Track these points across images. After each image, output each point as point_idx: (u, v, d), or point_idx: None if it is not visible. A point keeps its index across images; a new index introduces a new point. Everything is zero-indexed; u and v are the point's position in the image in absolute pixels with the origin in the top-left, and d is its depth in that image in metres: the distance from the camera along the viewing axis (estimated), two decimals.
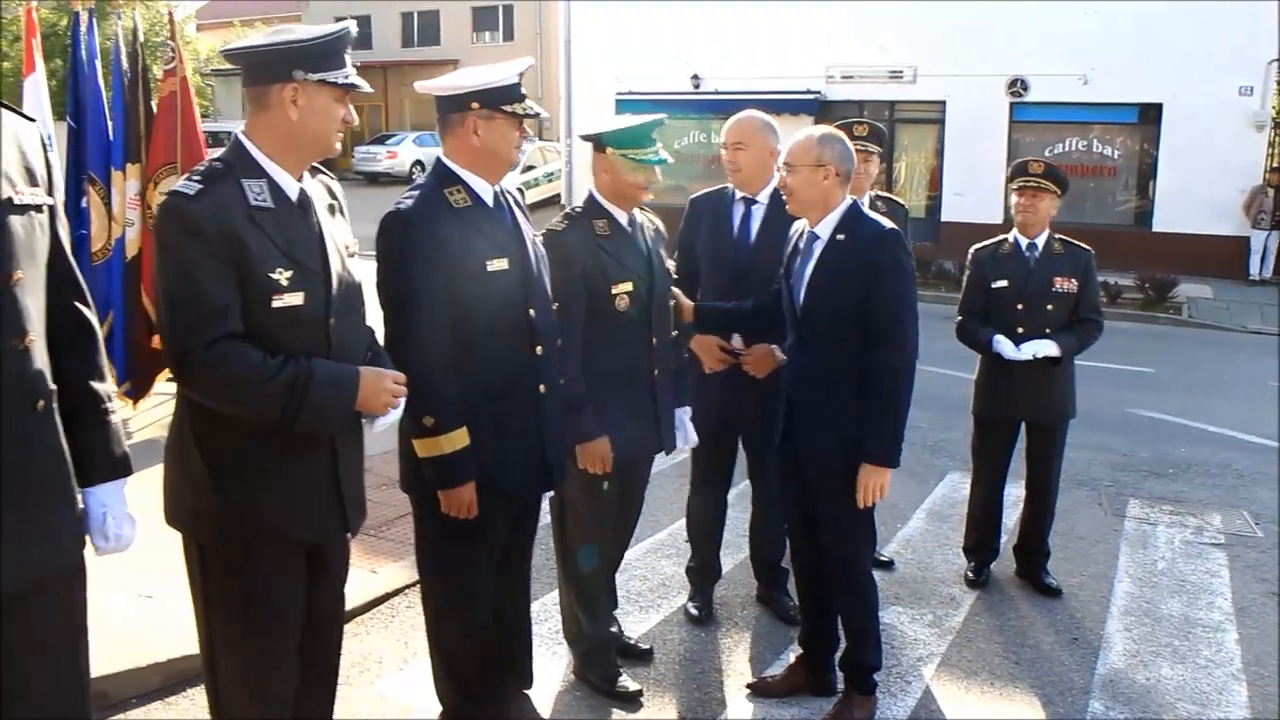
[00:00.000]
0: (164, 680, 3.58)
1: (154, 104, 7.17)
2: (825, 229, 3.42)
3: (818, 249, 3.43)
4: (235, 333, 2.25)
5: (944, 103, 17.69)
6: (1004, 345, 4.63)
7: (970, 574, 4.91)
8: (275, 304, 2.29)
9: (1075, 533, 5.54)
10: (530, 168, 23.55)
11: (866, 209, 3.71)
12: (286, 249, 2.32)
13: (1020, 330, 4.65)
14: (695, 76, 19.46)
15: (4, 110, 2.04)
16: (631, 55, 19.47)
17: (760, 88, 18.23)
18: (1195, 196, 16.28)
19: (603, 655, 3.77)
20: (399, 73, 34.24)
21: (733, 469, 4.40)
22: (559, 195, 22.07)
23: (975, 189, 16.89)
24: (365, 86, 2.42)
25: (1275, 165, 17.00)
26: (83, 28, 7.31)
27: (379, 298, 2.88)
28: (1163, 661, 4.15)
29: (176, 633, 3.53)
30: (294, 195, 2.40)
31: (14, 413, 1.93)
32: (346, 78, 2.36)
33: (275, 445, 2.35)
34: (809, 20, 17.81)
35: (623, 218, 3.51)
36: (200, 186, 2.26)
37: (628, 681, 3.71)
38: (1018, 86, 17.33)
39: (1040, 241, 4.74)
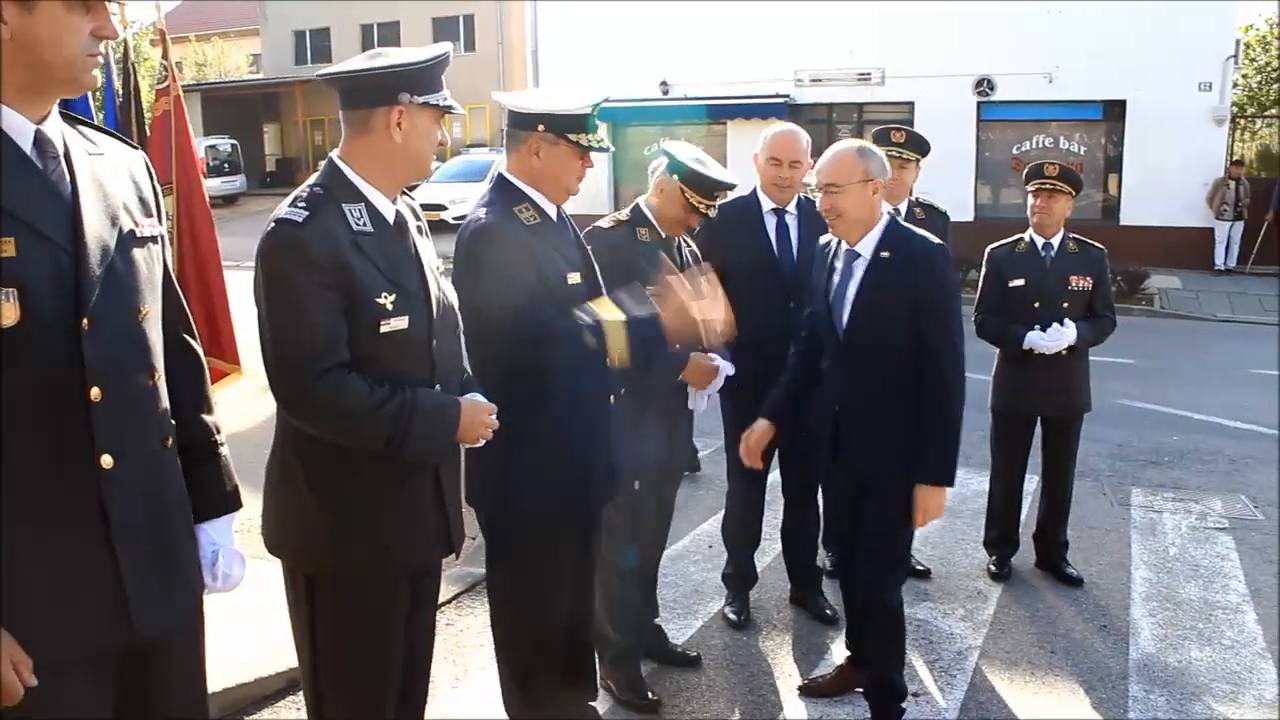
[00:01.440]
0: (219, 712, 3.57)
1: (147, 125, 7.14)
2: (867, 246, 3.31)
3: (860, 268, 3.32)
4: (344, 361, 2.25)
5: (912, 104, 17.88)
6: (1038, 339, 4.71)
7: (993, 567, 5.02)
8: (384, 329, 2.28)
9: (1086, 523, 5.66)
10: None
11: (900, 218, 3.72)
12: (389, 272, 2.31)
13: (1037, 328, 4.76)
14: (664, 82, 19.56)
15: (113, 140, 2.04)
16: (599, 62, 19.51)
17: (729, 92, 18.42)
18: (1160, 190, 16.60)
19: (627, 662, 3.80)
20: None
21: (768, 474, 4.39)
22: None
23: (945, 188, 16.94)
24: (460, 109, 2.44)
25: (1236, 158, 17.42)
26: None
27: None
28: (1190, 644, 4.27)
29: (222, 666, 3.51)
30: (391, 218, 2.40)
31: (147, 451, 1.92)
32: (445, 99, 2.37)
33: (383, 472, 2.35)
34: (777, 24, 17.97)
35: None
36: (307, 213, 2.23)
37: (649, 691, 3.75)
38: (984, 86, 17.58)
39: (1055, 241, 4.85)
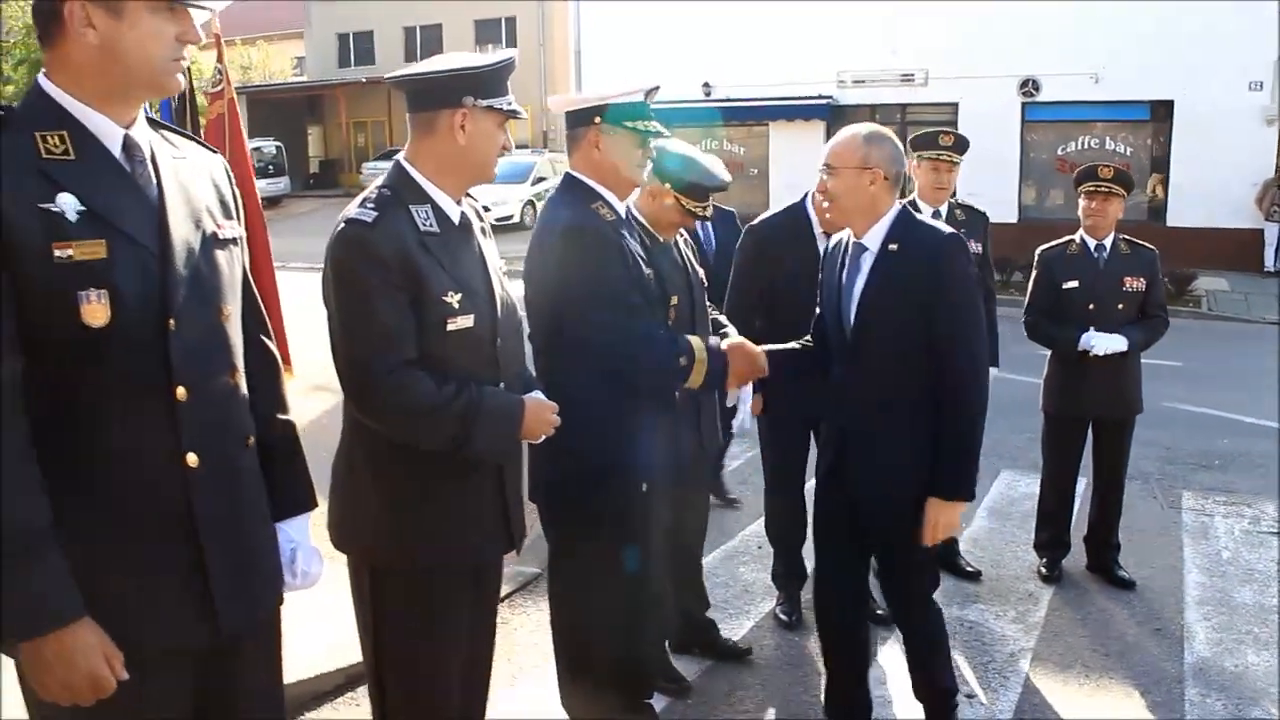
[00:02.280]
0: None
1: (201, 128, 7.26)
2: (874, 239, 3.08)
3: (867, 262, 3.09)
4: (412, 359, 2.29)
5: (956, 105, 17.81)
6: (1093, 340, 4.69)
7: (1044, 569, 5.01)
8: (450, 327, 2.33)
9: (1136, 526, 5.61)
10: (541, 179, 23.69)
11: (925, 217, 3.52)
12: (454, 272, 2.35)
13: (1091, 328, 4.75)
14: (706, 84, 19.58)
15: (194, 143, 2.09)
16: (641, 64, 19.55)
17: (772, 94, 18.44)
18: (1208, 191, 16.41)
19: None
20: None
21: (805, 468, 4.39)
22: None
23: (989, 189, 16.91)
24: (524, 113, 2.48)
25: None
26: None
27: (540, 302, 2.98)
28: (1247, 649, 4.24)
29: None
30: (456, 219, 2.44)
31: (229, 451, 1.96)
32: (510, 104, 2.41)
33: (450, 469, 2.39)
34: (820, 25, 17.96)
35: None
36: (376, 213, 2.28)
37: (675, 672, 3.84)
38: (1029, 87, 17.48)
39: (1108, 243, 4.84)
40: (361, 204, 2.34)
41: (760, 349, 3.19)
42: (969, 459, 3.06)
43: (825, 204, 3.19)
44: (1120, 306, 4.77)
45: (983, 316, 3.14)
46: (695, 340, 2.99)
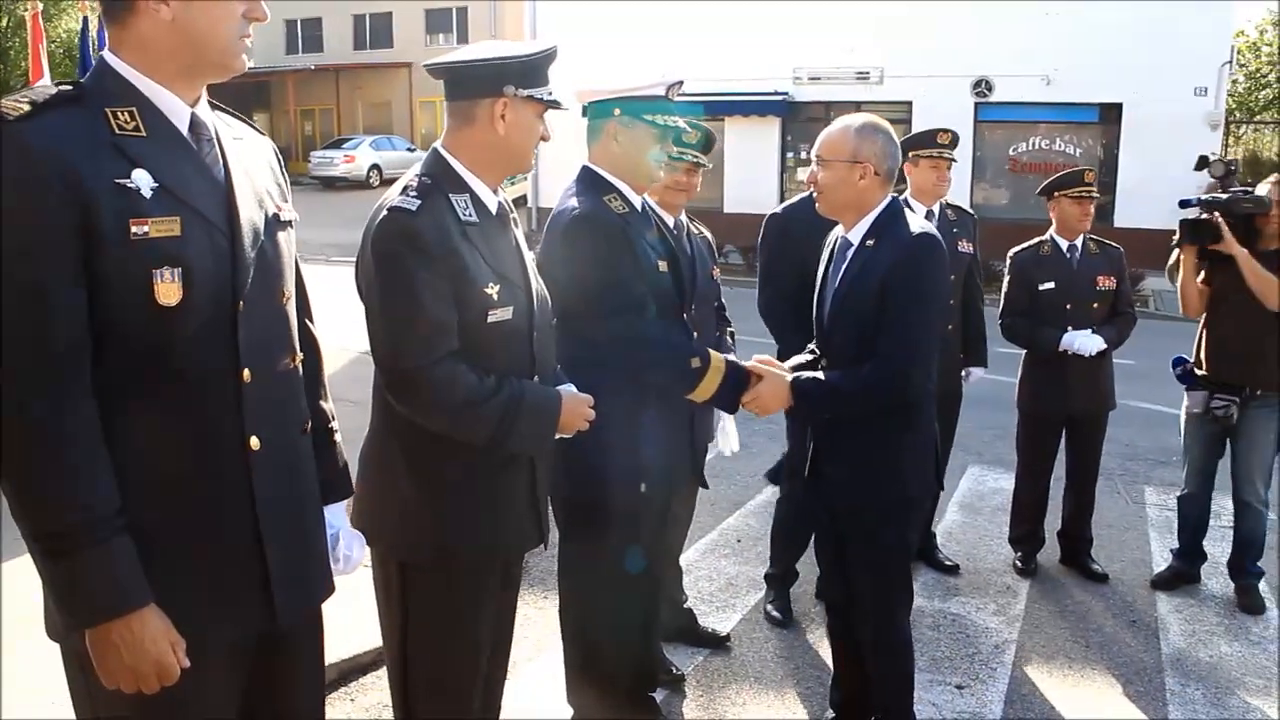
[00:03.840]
0: None
1: None
2: (857, 234, 3.01)
3: (848, 257, 3.03)
4: (455, 351, 2.27)
5: (911, 104, 17.99)
6: (1076, 342, 4.80)
7: (1020, 563, 5.11)
8: (490, 319, 2.31)
9: (1104, 521, 5.73)
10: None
11: (916, 218, 3.17)
12: (494, 263, 2.33)
13: (1069, 329, 4.86)
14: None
15: (248, 125, 2.06)
16: (596, 57, 19.50)
17: (728, 89, 18.45)
18: (1155, 192, 16.72)
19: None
20: (351, 75, 34.05)
21: None
22: (525, 197, 22.07)
23: None
24: (566, 104, 2.46)
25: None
26: (92, 32, 7.24)
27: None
28: (1219, 639, 4.37)
29: None
30: (494, 208, 2.42)
31: (288, 436, 1.95)
32: (551, 94, 2.38)
33: (482, 462, 2.38)
34: (776, 22, 18.05)
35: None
36: (419, 201, 2.25)
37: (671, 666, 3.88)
38: (982, 87, 17.75)
39: (1079, 243, 4.96)
40: (403, 192, 2.31)
41: (788, 374, 3.08)
42: (830, 403, 2.99)
43: (816, 196, 3.13)
44: (1095, 306, 4.90)
45: (933, 325, 3.01)
46: (715, 352, 3.00)
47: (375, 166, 29.01)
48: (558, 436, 2.52)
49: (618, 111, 2.94)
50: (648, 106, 2.94)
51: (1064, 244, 4.97)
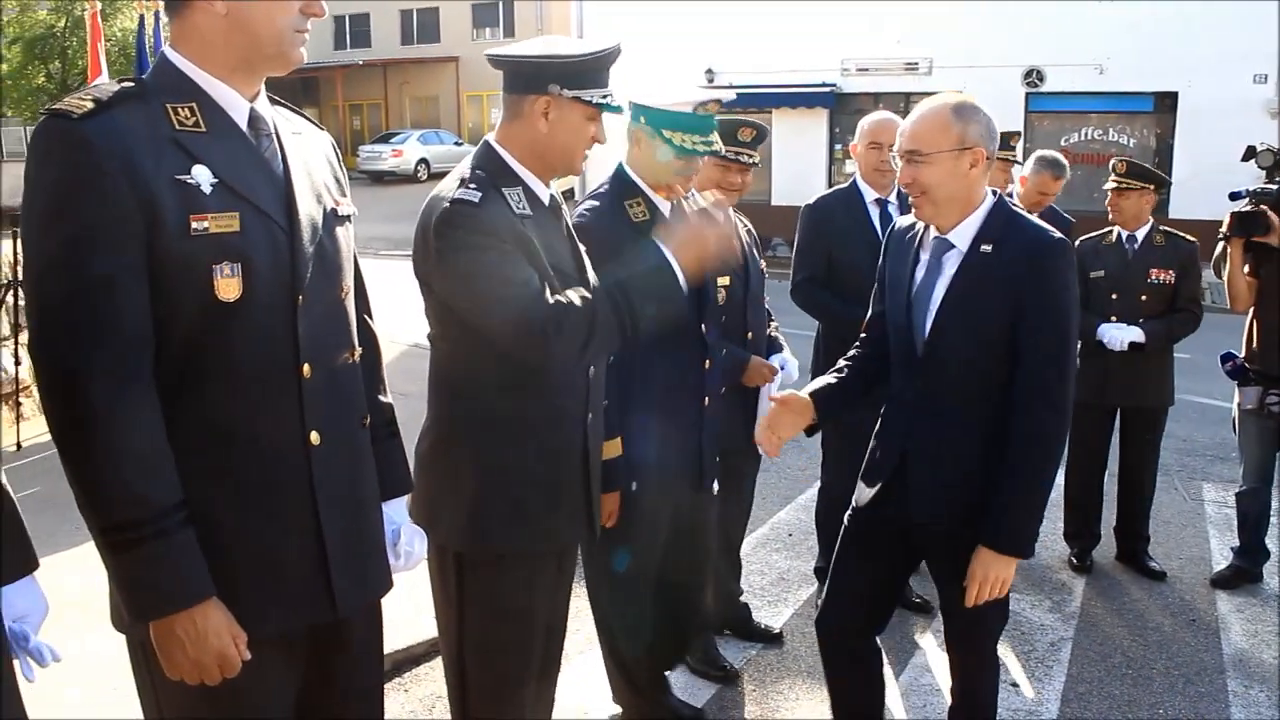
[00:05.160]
0: None
1: None
2: (963, 236, 2.58)
3: (951, 264, 2.60)
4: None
5: (960, 93, 17.76)
6: (1106, 334, 4.77)
7: (1075, 559, 5.04)
8: None
9: (1161, 517, 5.65)
10: None
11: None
12: (549, 254, 2.34)
13: (1113, 318, 4.81)
14: (709, 71, 19.52)
15: (305, 120, 2.08)
16: (643, 50, 19.48)
17: (775, 81, 18.38)
18: (1211, 183, 16.39)
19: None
20: (399, 70, 34.26)
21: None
22: (573, 190, 22.12)
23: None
24: (620, 107, 2.44)
25: None
26: (148, 30, 7.35)
27: None
28: None
29: None
30: (546, 201, 2.42)
31: (348, 430, 1.96)
32: (604, 97, 2.36)
33: (542, 454, 2.40)
34: (824, 13, 17.90)
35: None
36: (480, 193, 2.26)
37: (724, 662, 3.88)
38: (1033, 77, 17.49)
39: (1140, 234, 4.86)
40: (462, 185, 2.30)
41: (806, 396, 2.84)
42: (1034, 511, 2.59)
43: (913, 198, 2.65)
44: (1143, 298, 4.81)
45: (1075, 344, 2.67)
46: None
47: (423, 160, 29.18)
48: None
49: (643, 119, 2.94)
50: (668, 121, 2.89)
51: (1124, 234, 4.89)
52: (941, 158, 2.51)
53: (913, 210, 2.69)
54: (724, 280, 3.47)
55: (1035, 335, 2.49)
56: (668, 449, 3.06)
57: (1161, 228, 4.91)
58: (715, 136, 3.00)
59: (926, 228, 2.70)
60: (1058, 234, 2.58)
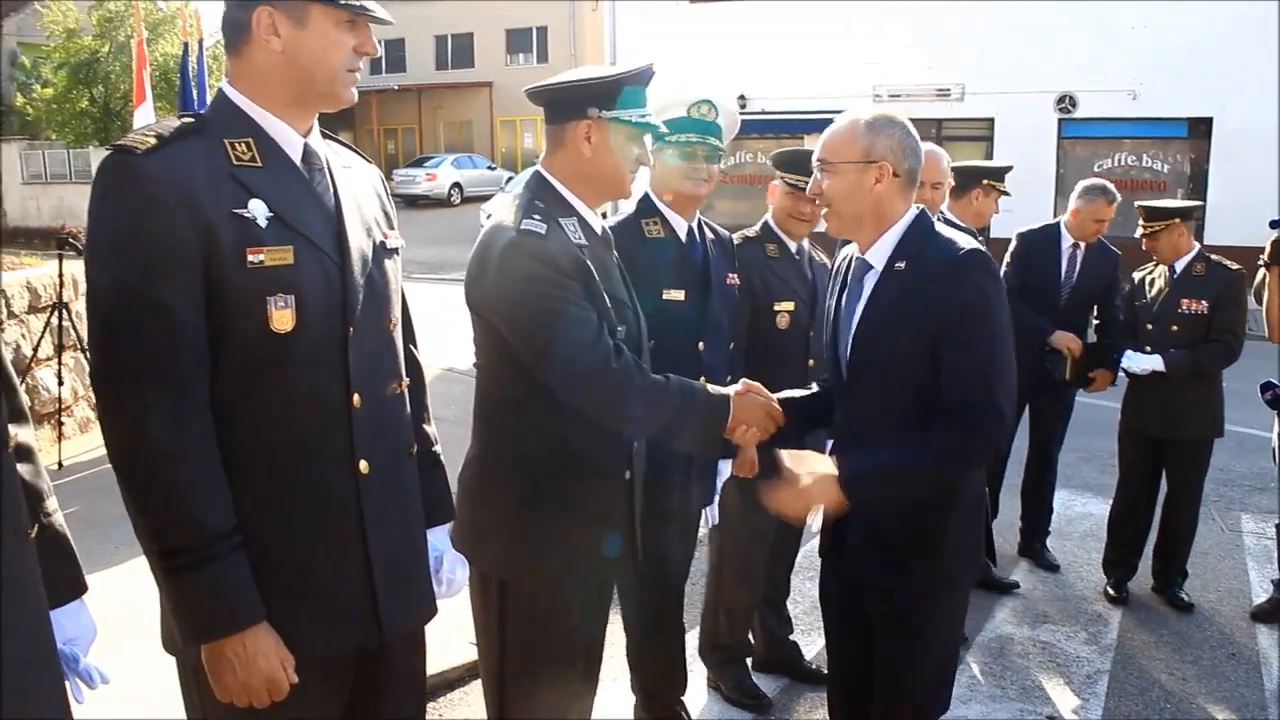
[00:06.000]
0: None
1: None
2: (879, 255, 2.42)
3: (869, 284, 2.44)
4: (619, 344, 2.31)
5: (992, 120, 17.77)
6: (1134, 361, 4.84)
7: (1110, 590, 5.00)
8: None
9: (1199, 549, 5.56)
10: None
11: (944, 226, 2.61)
12: (607, 284, 2.35)
13: (1147, 349, 4.83)
14: (741, 96, 19.57)
15: (356, 154, 2.12)
16: (675, 77, 19.56)
17: (807, 107, 18.41)
18: (1247, 209, 16.26)
19: (735, 665, 3.93)
20: (433, 95, 34.64)
21: None
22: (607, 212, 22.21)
23: (1026, 205, 16.84)
24: (658, 125, 2.46)
25: None
26: (192, 59, 7.49)
27: None
28: None
29: None
30: (599, 231, 2.44)
31: (395, 460, 1.99)
32: (640, 117, 2.38)
33: (586, 483, 2.41)
34: (856, 39, 17.96)
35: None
36: (545, 225, 2.27)
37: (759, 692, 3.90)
38: (1066, 103, 17.42)
39: (1180, 265, 4.85)
40: (526, 214, 2.29)
41: (830, 466, 2.36)
42: (886, 490, 2.35)
43: (825, 213, 2.53)
44: (1175, 328, 4.80)
45: (1001, 359, 2.33)
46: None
47: (456, 184, 29.45)
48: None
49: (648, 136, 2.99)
50: (667, 125, 2.98)
51: (1166, 266, 4.89)
52: (845, 169, 2.38)
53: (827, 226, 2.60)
54: (788, 305, 3.52)
55: (953, 350, 2.28)
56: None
57: (1208, 255, 4.88)
58: (715, 140, 3.09)
59: (854, 254, 2.54)
60: (974, 244, 2.36)
